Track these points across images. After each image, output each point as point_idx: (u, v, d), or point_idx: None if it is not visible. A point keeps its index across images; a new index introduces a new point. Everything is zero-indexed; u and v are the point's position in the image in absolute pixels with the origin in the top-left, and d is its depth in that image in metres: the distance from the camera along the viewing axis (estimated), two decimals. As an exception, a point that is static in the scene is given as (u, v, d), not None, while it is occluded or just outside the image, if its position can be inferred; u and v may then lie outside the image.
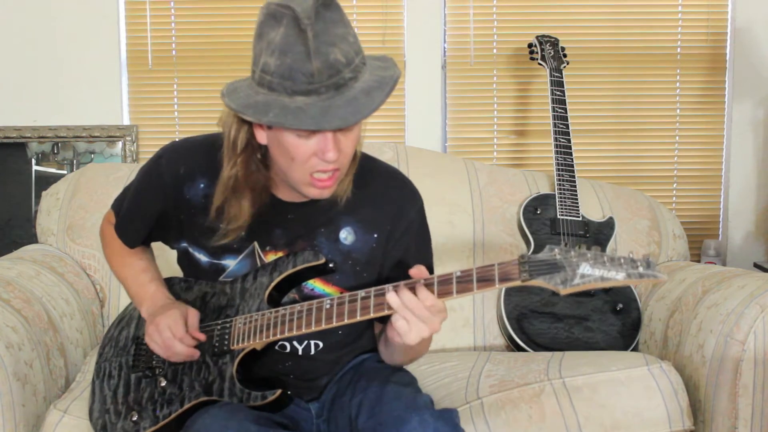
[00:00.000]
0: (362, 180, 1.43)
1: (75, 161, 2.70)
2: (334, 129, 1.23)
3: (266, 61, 1.23)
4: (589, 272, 1.16)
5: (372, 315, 1.30)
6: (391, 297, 1.26)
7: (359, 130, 1.31)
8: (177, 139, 1.55)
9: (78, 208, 2.23)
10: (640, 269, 1.15)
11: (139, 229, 1.55)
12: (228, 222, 1.39)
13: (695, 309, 1.82)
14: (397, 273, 1.46)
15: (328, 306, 1.33)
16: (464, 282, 1.24)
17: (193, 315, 1.44)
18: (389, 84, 1.24)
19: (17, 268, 1.94)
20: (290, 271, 1.41)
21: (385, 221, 1.47)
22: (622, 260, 1.16)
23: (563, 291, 1.17)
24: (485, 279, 1.23)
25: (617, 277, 1.15)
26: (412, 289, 1.26)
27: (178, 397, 1.43)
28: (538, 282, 1.19)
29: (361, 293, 1.31)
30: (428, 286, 1.26)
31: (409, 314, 1.25)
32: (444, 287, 1.26)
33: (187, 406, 1.41)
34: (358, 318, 1.30)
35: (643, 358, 1.77)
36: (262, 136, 1.32)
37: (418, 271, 1.30)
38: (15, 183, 2.69)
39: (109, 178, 2.27)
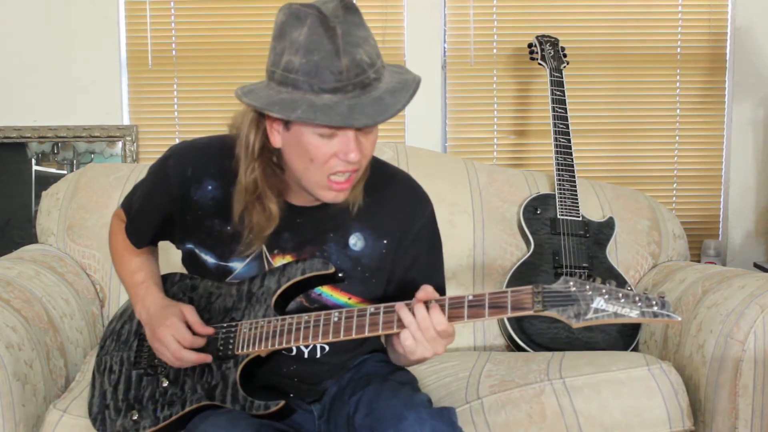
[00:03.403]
0: (374, 185, 1.42)
1: (75, 161, 2.70)
2: (362, 127, 1.23)
3: (290, 60, 1.22)
4: (603, 307, 1.17)
5: (380, 332, 1.30)
6: (406, 315, 1.26)
7: (377, 132, 1.31)
8: (186, 139, 1.54)
9: (78, 208, 2.23)
10: (655, 308, 1.16)
11: (146, 230, 1.54)
12: (251, 230, 1.38)
13: (695, 309, 1.82)
14: (405, 281, 1.45)
15: (336, 319, 1.32)
16: (476, 307, 1.24)
17: (190, 312, 1.43)
18: (412, 86, 1.25)
19: (17, 268, 1.94)
20: (298, 278, 1.40)
21: (395, 227, 1.46)
22: (638, 297, 1.16)
23: (575, 325, 1.18)
24: (497, 306, 1.23)
25: (631, 314, 1.16)
26: (426, 308, 1.26)
27: (179, 399, 1.42)
28: (551, 313, 1.19)
29: (371, 309, 1.31)
30: (440, 307, 1.26)
31: (419, 334, 1.26)
32: (455, 311, 1.26)
33: (188, 408, 1.41)
34: (366, 334, 1.31)
35: (644, 358, 1.77)
36: (277, 140, 1.30)
37: (425, 293, 1.29)
38: (15, 183, 2.69)
39: (109, 178, 2.27)
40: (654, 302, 1.16)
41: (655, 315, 1.15)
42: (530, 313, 1.21)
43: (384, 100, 1.22)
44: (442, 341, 1.27)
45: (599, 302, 1.17)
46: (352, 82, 1.21)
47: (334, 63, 1.20)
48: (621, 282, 2.01)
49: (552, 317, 1.20)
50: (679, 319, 1.16)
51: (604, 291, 1.17)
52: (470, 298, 1.25)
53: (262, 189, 1.34)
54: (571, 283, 1.19)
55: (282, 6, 1.27)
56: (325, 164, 1.27)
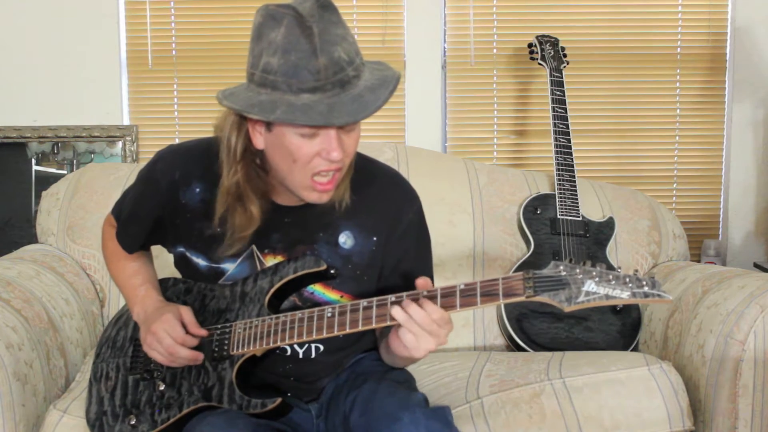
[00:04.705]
0: (360, 183, 1.42)
1: (75, 161, 2.70)
2: (342, 125, 1.23)
3: (268, 61, 1.22)
4: (594, 290, 1.17)
5: (374, 325, 1.30)
6: (397, 312, 1.26)
7: (360, 130, 1.31)
8: (174, 143, 1.54)
9: (78, 208, 2.23)
10: (646, 288, 1.16)
11: (137, 235, 1.55)
12: (233, 231, 1.38)
13: (695, 309, 1.82)
14: (395, 276, 1.46)
15: (329, 315, 1.32)
16: (468, 296, 1.24)
17: (187, 312, 1.43)
18: (392, 82, 1.25)
19: (17, 268, 1.94)
20: (291, 276, 1.41)
21: (384, 224, 1.46)
22: (628, 279, 1.16)
23: (567, 308, 1.17)
24: (489, 294, 1.23)
25: (622, 295, 1.16)
26: (416, 302, 1.26)
27: (176, 402, 1.42)
28: (543, 298, 1.19)
29: (363, 303, 1.31)
30: (431, 298, 1.26)
31: (417, 328, 1.25)
32: (447, 300, 1.25)
33: (185, 411, 1.41)
34: (360, 328, 1.31)
35: (643, 358, 1.77)
36: (259, 141, 1.30)
37: (424, 282, 1.30)
38: (15, 183, 2.69)
39: (109, 178, 2.27)
40: (644, 282, 1.16)
41: (646, 295, 1.16)
42: (522, 299, 1.21)
43: (363, 98, 1.22)
44: (441, 330, 1.26)
45: (590, 285, 1.17)
46: (330, 80, 1.21)
47: (311, 62, 1.20)
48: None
49: (544, 301, 1.20)
50: (671, 298, 1.16)
51: (594, 274, 1.18)
52: (462, 287, 1.25)
53: (244, 191, 1.34)
54: (561, 267, 1.19)
55: (259, 7, 1.28)
56: (308, 164, 1.27)
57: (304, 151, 1.26)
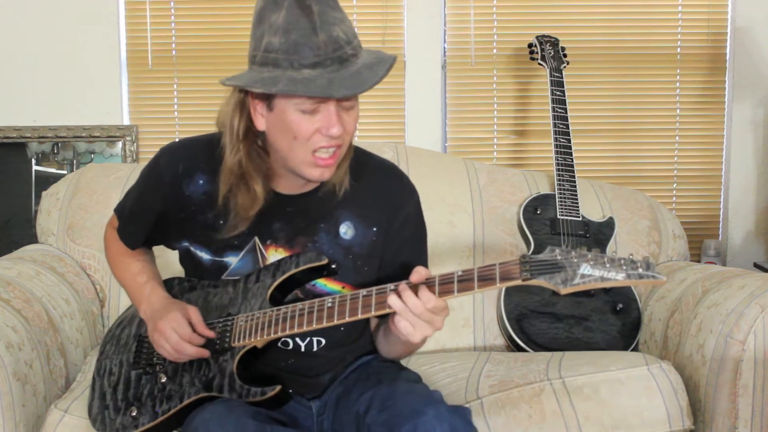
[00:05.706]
0: (359, 173, 1.45)
1: (75, 161, 2.70)
2: (342, 98, 1.27)
3: (269, 41, 1.27)
4: (590, 273, 1.17)
5: (373, 313, 1.31)
6: (394, 300, 1.27)
7: (358, 109, 1.35)
8: (176, 140, 1.56)
9: (78, 208, 2.23)
10: (640, 270, 1.16)
11: (140, 230, 1.56)
12: (237, 212, 1.40)
13: (695, 309, 1.82)
14: (393, 266, 1.47)
15: (329, 304, 1.34)
16: (465, 281, 1.25)
17: (195, 312, 1.45)
18: (389, 61, 1.30)
19: (17, 268, 1.94)
20: (293, 271, 1.42)
21: (383, 214, 1.48)
22: (622, 261, 1.17)
23: (563, 291, 1.18)
24: (486, 278, 1.24)
25: (617, 277, 1.17)
26: (414, 290, 1.27)
27: (177, 393, 1.43)
28: (539, 281, 1.20)
29: (363, 292, 1.33)
30: (429, 286, 1.27)
31: (412, 316, 1.27)
32: (445, 286, 1.27)
33: (186, 401, 1.42)
34: (360, 316, 1.32)
35: (643, 358, 1.77)
36: (261, 122, 1.34)
37: (418, 276, 1.31)
38: (15, 183, 2.69)
39: (109, 178, 2.27)
40: (638, 264, 1.17)
41: (641, 276, 1.16)
42: (519, 282, 1.22)
43: (362, 74, 1.26)
44: (437, 317, 1.28)
45: (585, 268, 1.18)
46: (330, 56, 1.25)
47: (312, 39, 1.24)
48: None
49: (541, 285, 1.20)
50: (664, 279, 1.17)
51: (589, 257, 1.19)
52: (459, 273, 1.27)
53: (246, 170, 1.37)
54: (557, 251, 1.21)
55: None
56: (308, 141, 1.30)
57: (305, 127, 1.29)
